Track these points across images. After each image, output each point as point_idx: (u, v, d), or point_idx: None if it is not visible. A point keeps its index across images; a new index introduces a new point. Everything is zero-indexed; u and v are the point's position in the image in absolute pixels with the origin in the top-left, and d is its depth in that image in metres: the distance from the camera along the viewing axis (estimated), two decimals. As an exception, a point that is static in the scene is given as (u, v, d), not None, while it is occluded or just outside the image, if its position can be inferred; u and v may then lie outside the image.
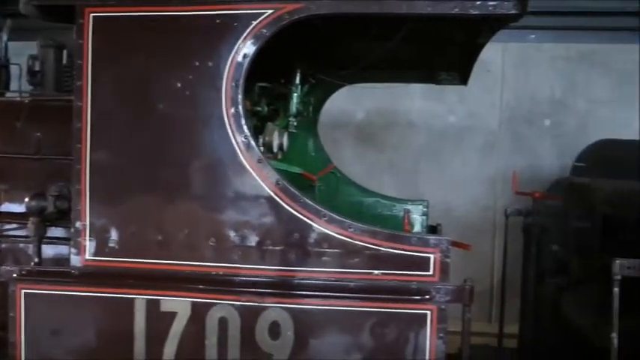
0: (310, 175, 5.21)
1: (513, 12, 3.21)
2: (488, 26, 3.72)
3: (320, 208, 3.27)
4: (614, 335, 3.44)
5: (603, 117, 8.62)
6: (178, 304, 3.37)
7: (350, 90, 6.04)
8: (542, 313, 5.84)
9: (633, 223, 4.33)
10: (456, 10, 3.18)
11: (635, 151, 6.32)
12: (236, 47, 3.30)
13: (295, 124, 4.88)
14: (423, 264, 3.22)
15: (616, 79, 8.75)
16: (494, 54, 8.44)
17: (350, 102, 8.30)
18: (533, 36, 8.72)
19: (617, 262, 3.36)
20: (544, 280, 5.85)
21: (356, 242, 3.24)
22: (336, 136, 8.36)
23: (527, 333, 5.96)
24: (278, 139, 4.33)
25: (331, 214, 3.26)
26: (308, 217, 3.27)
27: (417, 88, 8.07)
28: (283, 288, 3.32)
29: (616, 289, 3.37)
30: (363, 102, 8.40)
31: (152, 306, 3.40)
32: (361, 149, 8.51)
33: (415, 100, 8.42)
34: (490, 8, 3.17)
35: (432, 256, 3.21)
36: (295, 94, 4.80)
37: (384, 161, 8.53)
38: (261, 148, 4.23)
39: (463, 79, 5.34)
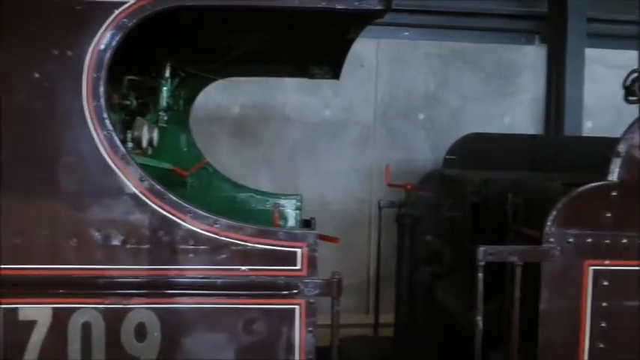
0: (181, 171, 5.10)
1: (378, 8, 3.23)
2: (356, 21, 3.76)
3: (185, 205, 3.18)
4: (479, 318, 3.56)
5: (473, 112, 8.98)
6: (38, 312, 3.17)
7: (225, 84, 5.97)
8: (417, 301, 6.01)
9: (499, 211, 4.51)
10: (323, 4, 3.17)
11: (502, 144, 6.64)
12: (97, 37, 3.13)
13: (166, 118, 4.74)
14: (290, 258, 3.20)
15: (485, 76, 9.14)
16: (368, 49, 8.59)
17: (226, 96, 8.22)
18: (407, 33, 8.97)
19: (481, 249, 3.47)
20: (418, 269, 6.02)
21: (222, 238, 3.19)
22: (212, 130, 8.24)
23: (402, 321, 6.11)
24: (148, 134, 4.20)
25: (197, 210, 3.19)
26: (173, 215, 3.18)
27: (292, 83, 8.10)
28: (149, 288, 3.21)
29: (480, 275, 3.49)
30: (238, 96, 8.32)
31: (9, 315, 3.17)
32: (237, 144, 8.43)
33: (290, 94, 8.42)
34: (356, 3, 3.19)
35: (299, 251, 3.20)
36: (165, 88, 4.65)
37: (259, 156, 8.49)
38: (130, 144, 4.11)
39: (335, 74, 5.40)
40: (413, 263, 6.02)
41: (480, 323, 3.57)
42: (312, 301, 3.21)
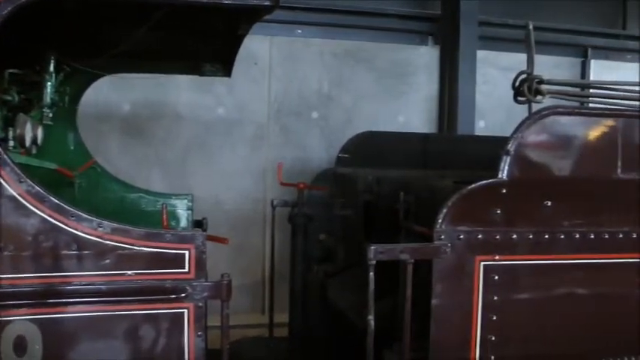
0: (67, 172, 4.84)
1: (267, 4, 3.17)
2: (246, 18, 3.68)
3: (68, 208, 2.99)
4: (371, 317, 3.54)
5: (368, 110, 9.05)
6: None
7: (115, 80, 5.72)
8: (311, 300, 5.97)
9: (391, 210, 4.52)
10: (211, -2, 3.09)
11: (395, 142, 6.71)
12: (-33, 26, 2.89)
13: (51, 115, 4.47)
14: (178, 261, 3.08)
15: (379, 75, 9.24)
16: (261, 47, 8.50)
17: (116, 93, 7.89)
18: (300, 31, 8.91)
19: (372, 247, 3.45)
20: (312, 268, 5.99)
21: (107, 242, 3.02)
22: (102, 128, 7.90)
23: (297, 321, 6.06)
24: (31, 131, 3.93)
25: (80, 213, 3.00)
26: (55, 218, 2.98)
27: (184, 80, 7.87)
28: (29, 298, 2.99)
29: (371, 274, 3.47)
30: (129, 93, 8.01)
31: None
32: (128, 142, 8.11)
33: (183, 92, 8.20)
34: (244, -1, 3.12)
35: (187, 253, 3.08)
36: (49, 83, 4.38)
37: (151, 155, 8.21)
38: (12, 142, 3.83)
39: (227, 72, 5.29)
40: (306, 262, 5.99)
41: (372, 322, 3.56)
42: (200, 304, 3.11)
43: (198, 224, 5.13)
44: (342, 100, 8.99)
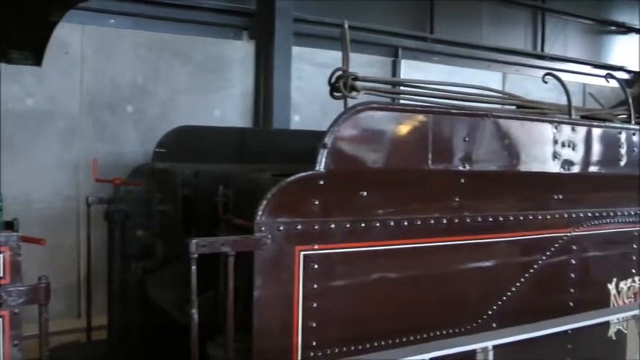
0: None
1: (76, -10, 3.03)
2: (57, 3, 3.49)
3: None
4: (194, 311, 3.52)
5: (184, 105, 8.93)
6: None
7: None
8: (130, 299, 5.81)
9: (210, 203, 4.52)
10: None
11: (212, 137, 6.68)
12: None
13: None
14: (-10, 265, 2.87)
15: (195, 69, 9.15)
16: (73, 36, 8.05)
17: None
18: (113, 20, 8.57)
19: (193, 241, 3.43)
20: (130, 266, 5.83)
21: None
22: None
23: (116, 322, 5.87)
24: None
25: None
26: None
27: (-21, 67, 7.29)
28: None
29: (193, 268, 3.45)
30: None
31: None
32: None
33: (-9, 81, 7.61)
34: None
35: (0, 256, 2.88)
36: None
37: (-50, 151, 7.53)
38: None
39: (37, 60, 4.98)
40: (125, 260, 5.81)
41: (195, 316, 3.54)
42: (16, 311, 2.91)
43: (9, 225, 4.80)
44: (157, 93, 8.79)
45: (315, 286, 3.64)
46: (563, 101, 5.02)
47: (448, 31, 13.05)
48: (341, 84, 3.93)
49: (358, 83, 3.94)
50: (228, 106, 9.41)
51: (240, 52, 9.59)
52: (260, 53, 9.55)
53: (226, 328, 3.60)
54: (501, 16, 14.32)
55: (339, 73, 3.97)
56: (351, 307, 3.80)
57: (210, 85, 9.30)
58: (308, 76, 9.77)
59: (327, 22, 10.18)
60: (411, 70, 11.83)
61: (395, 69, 11.89)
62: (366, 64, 10.59)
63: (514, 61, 14.07)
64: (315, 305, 3.64)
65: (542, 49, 15.09)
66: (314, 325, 3.64)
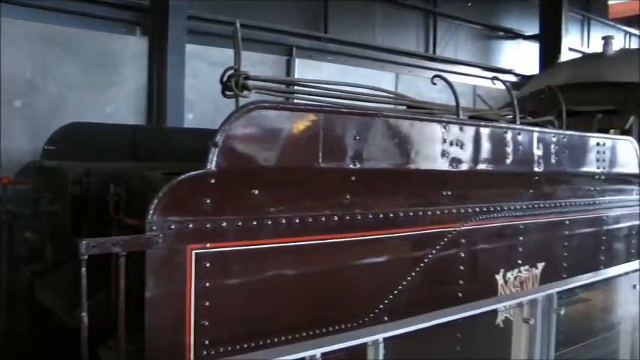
0: None
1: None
2: None
3: None
4: (84, 314, 3.43)
5: (75, 101, 8.68)
6: None
7: None
8: (18, 304, 5.60)
9: (102, 203, 4.42)
10: None
11: (104, 134, 6.52)
12: None
13: None
14: None
15: (87, 64, 8.90)
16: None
17: None
18: (0, 11, 8.23)
19: (83, 242, 3.34)
20: (19, 269, 5.61)
21: None
22: None
23: (3, 327, 5.64)
24: None
25: None
26: None
27: None
28: None
29: (83, 269, 3.36)
30: None
31: None
32: None
33: None
34: None
35: None
36: None
37: None
38: None
39: None
40: (13, 263, 5.59)
41: (85, 319, 3.45)
42: None
43: None
44: (47, 89, 8.50)
45: (207, 284, 3.62)
46: (454, 102, 5.22)
47: (342, 31, 13.32)
48: (232, 83, 3.95)
49: (250, 82, 3.97)
50: (120, 103, 9.23)
51: (134, 48, 9.42)
52: (153, 50, 9.44)
53: (118, 331, 3.54)
54: (395, 19, 14.73)
55: (231, 72, 3.98)
56: (243, 304, 3.82)
57: (103, 81, 9.10)
58: (202, 74, 9.73)
59: (222, 20, 10.15)
60: (305, 69, 11.98)
61: (289, 68, 12.00)
62: (260, 63, 10.66)
63: (407, 63, 14.53)
64: (207, 304, 3.62)
65: (434, 52, 15.66)
66: (206, 323, 3.63)
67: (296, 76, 11.48)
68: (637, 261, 6.55)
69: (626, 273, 5.84)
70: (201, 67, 9.85)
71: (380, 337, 3.27)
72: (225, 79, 4.01)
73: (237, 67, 3.97)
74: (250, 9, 11.15)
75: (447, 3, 15.89)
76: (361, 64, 13.38)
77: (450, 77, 5.45)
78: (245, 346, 3.77)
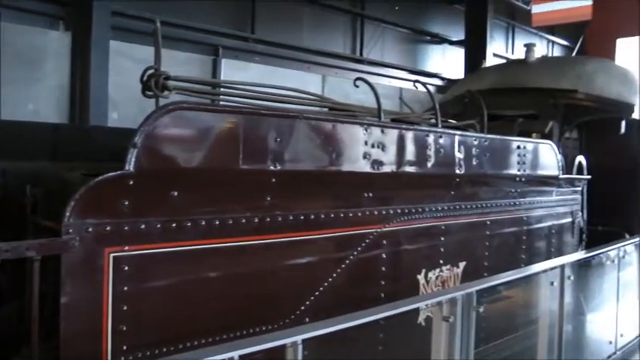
0: None
1: None
2: None
3: None
4: (-5, 322, 3.32)
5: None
6: None
7: None
8: None
9: (18, 204, 4.28)
10: None
11: (24, 132, 6.30)
12: None
13: None
14: None
15: (6, 59, 8.61)
16: None
17: None
18: None
19: (-9, 246, 3.22)
20: None
21: None
22: None
23: None
24: None
25: None
26: None
27: None
28: None
29: (-12, 276, 3.25)
30: None
31: None
32: None
33: None
34: None
35: None
36: None
37: None
38: None
39: None
40: None
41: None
42: None
43: None
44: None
45: (126, 288, 3.55)
46: (382, 105, 5.28)
47: (270, 32, 13.30)
48: (152, 83, 3.88)
49: (170, 82, 3.91)
50: (42, 101, 8.95)
51: (56, 43, 9.17)
52: (76, 45, 9.18)
53: (31, 338, 3.43)
54: (323, 20, 14.82)
55: (151, 71, 3.91)
56: (164, 308, 3.76)
57: (25, 77, 8.80)
58: (127, 73, 9.51)
59: (147, 17, 9.98)
60: (232, 69, 11.93)
61: (216, 68, 11.92)
62: (187, 62, 10.54)
63: (333, 64, 14.63)
64: (125, 308, 3.55)
65: (361, 54, 15.79)
66: (124, 328, 3.55)
67: (222, 77, 11.42)
68: (555, 259, 6.80)
69: (545, 271, 6.03)
70: (127, 65, 9.63)
71: (299, 338, 3.28)
72: (145, 78, 3.94)
73: (157, 67, 3.90)
74: (177, 7, 11.01)
75: (375, 6, 16.08)
76: (288, 66, 13.40)
77: (377, 80, 5.54)
78: (165, 350, 3.72)
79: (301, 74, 13.47)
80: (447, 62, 19.71)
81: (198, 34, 11.57)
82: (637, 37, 26.53)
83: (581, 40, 25.86)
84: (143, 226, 3.61)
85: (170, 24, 10.70)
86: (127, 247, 3.56)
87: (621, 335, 7.69)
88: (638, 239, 8.48)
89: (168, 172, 3.69)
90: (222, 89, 4.57)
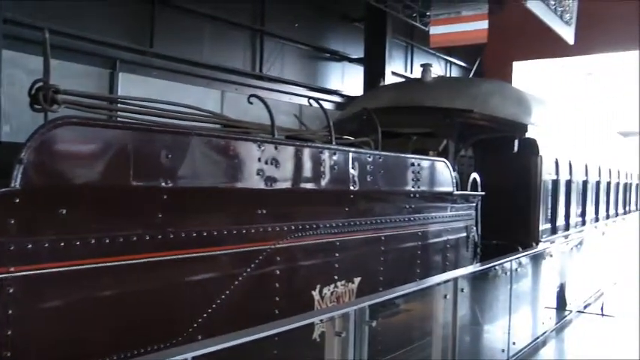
0: None
1: None
2: None
3: None
4: None
5: None
6: None
7: None
8: None
9: None
10: None
11: None
12: None
13: None
14: None
15: None
16: None
17: None
18: None
19: None
20: None
21: None
22: None
23: None
24: None
25: None
26: None
27: None
28: None
29: None
30: None
31: None
32: None
33: None
34: None
35: None
36: None
37: None
38: None
39: None
40: None
41: None
42: None
43: None
44: None
45: (11, 311, 3.38)
46: (280, 121, 5.34)
47: (169, 46, 13.16)
48: (41, 96, 3.76)
49: (60, 96, 3.80)
50: None
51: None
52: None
53: None
54: (223, 36, 14.79)
55: (40, 84, 3.79)
56: (53, 330, 3.63)
57: None
58: (20, 84, 9.18)
59: (41, 26, 9.67)
60: (130, 83, 11.72)
61: (113, 81, 11.68)
62: (84, 75, 10.27)
63: (233, 80, 14.60)
64: (10, 333, 3.37)
65: (261, 70, 15.83)
66: (9, 354, 3.38)
67: (120, 91, 11.18)
68: (448, 272, 7.04)
69: (438, 284, 6.23)
70: (19, 76, 9.29)
71: (189, 355, 3.27)
72: (33, 91, 3.82)
73: (46, 79, 3.77)
74: (71, 16, 10.72)
75: (275, 23, 16.19)
76: (187, 81, 13.27)
77: (277, 97, 5.58)
78: (53, 374, 3.60)
79: (200, 90, 13.37)
80: (347, 80, 20.06)
81: (95, 45, 11.30)
82: (533, 61, 28.25)
83: (478, 61, 26.98)
84: (30, 246, 3.46)
85: (65, 34, 10.41)
86: (12, 268, 3.40)
87: (514, 343, 8.04)
88: (528, 252, 8.94)
89: (56, 189, 3.57)
90: (116, 105, 4.50)
